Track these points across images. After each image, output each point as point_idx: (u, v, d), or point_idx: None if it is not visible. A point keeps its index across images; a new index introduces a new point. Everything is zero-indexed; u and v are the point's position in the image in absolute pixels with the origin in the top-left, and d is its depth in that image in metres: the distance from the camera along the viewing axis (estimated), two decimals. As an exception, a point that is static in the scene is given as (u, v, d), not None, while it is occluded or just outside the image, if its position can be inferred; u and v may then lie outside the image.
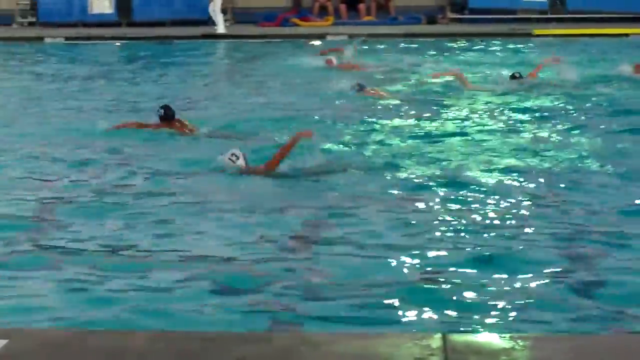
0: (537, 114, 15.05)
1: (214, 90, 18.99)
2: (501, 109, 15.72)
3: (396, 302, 6.72)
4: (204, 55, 25.75)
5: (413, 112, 15.44)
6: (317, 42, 29.88)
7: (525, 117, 14.88)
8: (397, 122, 14.56)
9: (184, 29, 31.96)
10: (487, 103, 16.39)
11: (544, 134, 13.42)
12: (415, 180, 10.66)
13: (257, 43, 30.38)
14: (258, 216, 9.31)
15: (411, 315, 6.50)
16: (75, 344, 4.86)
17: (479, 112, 15.40)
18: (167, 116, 13.09)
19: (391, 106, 16.04)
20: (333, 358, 4.58)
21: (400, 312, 6.54)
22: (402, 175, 10.96)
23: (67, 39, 31.06)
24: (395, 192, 10.18)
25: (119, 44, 30.18)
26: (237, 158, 10.91)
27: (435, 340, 4.79)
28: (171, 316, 6.50)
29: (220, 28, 31.40)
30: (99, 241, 8.53)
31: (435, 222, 8.88)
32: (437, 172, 11.00)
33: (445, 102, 16.49)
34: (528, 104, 16.16)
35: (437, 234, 8.56)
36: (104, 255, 8.16)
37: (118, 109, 16.42)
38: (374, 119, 14.66)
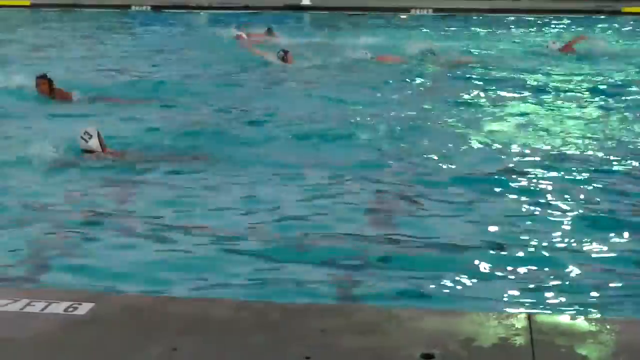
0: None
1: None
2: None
3: (480, 281, 6.66)
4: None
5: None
6: (403, 16, 29.71)
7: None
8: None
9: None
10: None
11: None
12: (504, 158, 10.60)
13: (342, 15, 30.30)
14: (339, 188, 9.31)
15: (496, 294, 6.42)
16: (158, 310, 4.87)
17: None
18: None
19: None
20: (417, 334, 4.52)
21: (484, 291, 6.47)
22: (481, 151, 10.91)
23: (153, 7, 31.42)
24: (475, 170, 10.10)
25: (205, 13, 30.41)
26: (90, 137, 10.69)
27: (521, 321, 4.70)
28: (253, 286, 6.53)
29: (306, -1, 31.43)
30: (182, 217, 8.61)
31: (521, 205, 8.77)
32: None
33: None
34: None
35: (522, 215, 8.46)
36: (186, 228, 8.24)
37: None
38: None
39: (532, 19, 28.67)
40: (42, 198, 9.16)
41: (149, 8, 31.58)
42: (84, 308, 4.80)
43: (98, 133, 10.67)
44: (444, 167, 10.30)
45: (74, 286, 6.24)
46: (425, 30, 25.89)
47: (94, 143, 10.59)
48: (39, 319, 4.69)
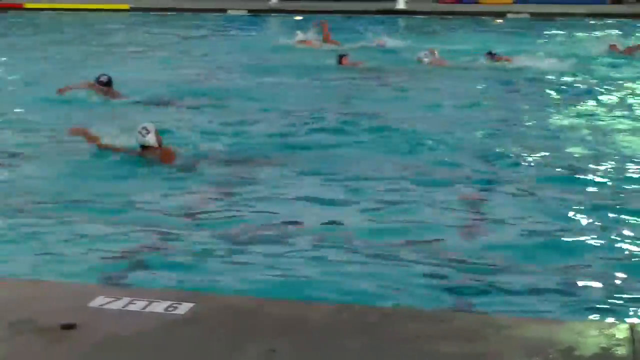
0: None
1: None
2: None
3: (581, 290, 6.56)
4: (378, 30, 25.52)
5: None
6: (498, 20, 29.45)
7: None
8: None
9: (360, 4, 32.05)
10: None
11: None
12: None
13: (436, 19, 30.17)
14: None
15: (596, 304, 6.31)
16: (256, 311, 4.92)
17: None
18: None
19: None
20: (516, 342, 4.48)
21: (584, 300, 6.37)
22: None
23: (250, 11, 31.72)
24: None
25: (299, 17, 30.55)
26: (148, 132, 10.73)
27: (622, 331, 4.62)
28: (352, 291, 6.54)
29: (401, 3, 31.34)
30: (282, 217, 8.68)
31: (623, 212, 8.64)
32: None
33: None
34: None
35: (619, 222, 8.32)
36: (282, 229, 8.30)
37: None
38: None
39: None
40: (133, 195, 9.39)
41: (246, 12, 31.88)
42: (184, 308, 4.87)
43: (155, 130, 10.85)
44: (539, 172, 10.19)
45: (174, 286, 6.33)
46: (521, 33, 25.63)
47: (151, 138, 10.76)
48: (140, 317, 4.78)
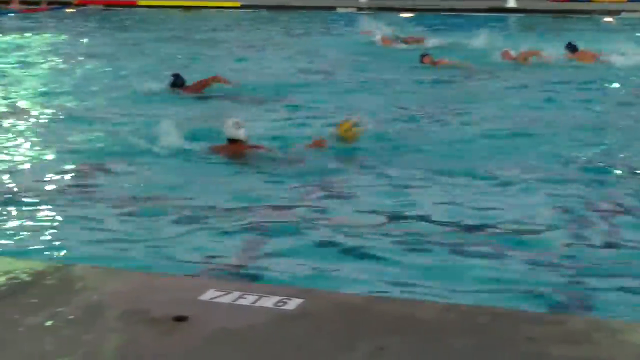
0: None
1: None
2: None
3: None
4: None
5: None
6: (610, 19, 28.86)
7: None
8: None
9: (470, 2, 31.79)
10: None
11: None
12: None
13: (549, 18, 29.72)
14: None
15: None
16: (365, 309, 4.91)
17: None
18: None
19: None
20: (630, 348, 4.38)
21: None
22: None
23: (359, 9, 31.75)
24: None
25: (408, 15, 30.46)
26: (239, 127, 10.80)
27: None
28: (457, 291, 6.50)
29: (511, 1, 30.98)
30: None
31: None
32: None
33: None
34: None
35: None
36: (384, 227, 8.30)
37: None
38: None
39: None
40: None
41: (355, 10, 31.92)
42: (293, 303, 4.89)
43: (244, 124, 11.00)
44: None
45: (284, 282, 6.38)
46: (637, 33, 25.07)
47: (242, 133, 10.85)
48: (250, 312, 4.82)
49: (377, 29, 23.82)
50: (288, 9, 32.79)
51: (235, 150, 10.80)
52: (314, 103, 14.77)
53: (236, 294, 5.02)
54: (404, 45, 22.15)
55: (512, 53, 19.54)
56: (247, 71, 18.48)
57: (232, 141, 10.81)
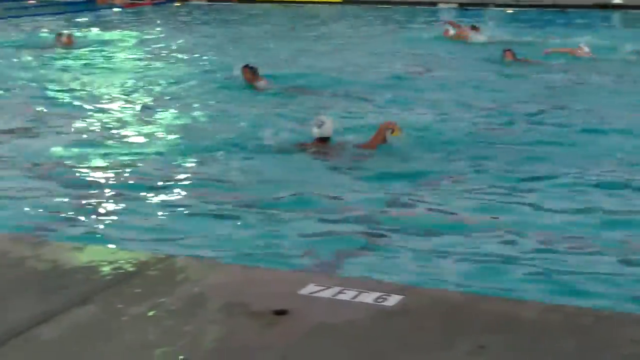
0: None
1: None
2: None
3: None
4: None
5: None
6: None
7: None
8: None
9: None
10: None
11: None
12: None
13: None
14: None
15: None
16: (466, 307, 4.87)
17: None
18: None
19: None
20: None
21: None
22: None
23: (460, 5, 31.52)
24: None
25: (511, 11, 30.11)
26: (322, 124, 10.64)
27: None
28: (560, 291, 6.41)
29: (617, -3, 30.43)
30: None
31: None
32: None
33: None
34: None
35: None
36: (482, 226, 8.24)
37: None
38: None
39: None
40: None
41: (455, 5, 31.70)
42: (393, 300, 4.87)
43: (331, 121, 10.91)
44: None
45: (383, 278, 6.37)
46: None
47: (325, 130, 10.80)
48: (350, 307, 4.82)
49: (449, 25, 23.74)
50: (389, 3, 32.70)
51: (323, 147, 10.83)
52: (403, 99, 14.71)
53: (336, 289, 5.03)
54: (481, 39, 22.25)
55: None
56: (342, 66, 18.52)
57: (321, 139, 10.84)
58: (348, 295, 4.94)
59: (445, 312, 4.74)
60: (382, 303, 4.83)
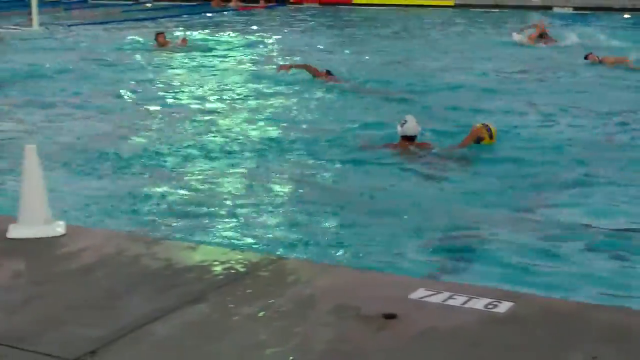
0: None
1: None
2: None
3: None
4: None
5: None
6: None
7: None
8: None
9: None
10: None
11: None
12: None
13: None
14: None
15: None
16: (578, 316, 4.80)
17: None
18: None
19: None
20: None
21: None
22: None
23: (575, 9, 31.01)
24: None
25: (627, 15, 29.50)
26: (405, 122, 10.85)
27: None
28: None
29: None
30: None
31: None
32: None
33: None
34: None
35: None
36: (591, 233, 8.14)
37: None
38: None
39: None
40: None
41: (570, 10, 31.21)
42: (504, 306, 4.83)
43: (414, 120, 11.02)
44: None
45: (493, 284, 6.31)
46: None
47: (408, 128, 10.74)
48: (460, 312, 4.79)
49: (524, 30, 23.48)
50: (502, 7, 32.40)
51: (408, 147, 10.90)
52: (505, 103, 14.59)
53: (446, 294, 5.01)
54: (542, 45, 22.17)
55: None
56: (448, 69, 18.48)
57: (406, 137, 10.89)
58: (458, 300, 4.92)
59: (556, 321, 4.68)
60: (493, 310, 4.80)
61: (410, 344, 4.48)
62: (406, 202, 9.15)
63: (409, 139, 10.91)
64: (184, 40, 23.12)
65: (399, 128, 11.00)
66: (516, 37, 23.05)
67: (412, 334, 4.58)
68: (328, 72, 16.54)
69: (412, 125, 10.90)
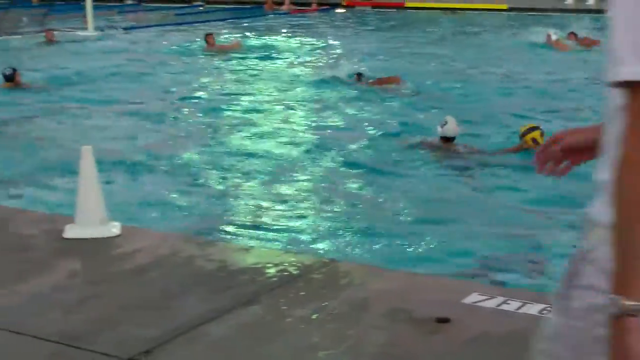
0: None
1: None
2: None
3: None
4: None
5: None
6: None
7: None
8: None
9: None
10: None
11: None
12: None
13: None
14: None
15: None
16: None
17: None
18: None
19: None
20: None
21: None
22: None
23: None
24: None
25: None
26: (445, 123, 10.85)
27: None
28: None
29: None
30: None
31: None
32: None
33: None
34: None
35: None
36: None
37: None
38: None
39: None
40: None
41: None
42: (558, 312, 4.79)
43: (454, 121, 11.03)
44: None
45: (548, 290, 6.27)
46: None
47: (448, 130, 10.87)
48: (514, 318, 4.77)
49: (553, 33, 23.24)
50: (559, 11, 32.15)
51: (447, 148, 10.94)
52: (548, 108, 14.48)
53: (500, 299, 4.99)
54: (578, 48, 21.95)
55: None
56: (500, 73, 18.39)
57: (445, 138, 10.89)
58: (512, 306, 4.90)
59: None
60: (548, 315, 4.75)
61: (463, 349, 4.47)
62: (454, 205, 9.13)
63: (449, 140, 10.94)
64: (237, 42, 23.25)
65: (439, 129, 11.03)
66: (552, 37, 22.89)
67: (465, 338, 4.56)
68: (359, 76, 16.54)
69: (452, 127, 10.92)
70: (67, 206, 7.09)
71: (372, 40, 25.39)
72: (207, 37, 22.82)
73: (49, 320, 4.84)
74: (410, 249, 7.80)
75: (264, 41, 24.89)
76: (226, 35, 25.44)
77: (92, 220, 6.23)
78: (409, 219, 8.77)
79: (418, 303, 4.97)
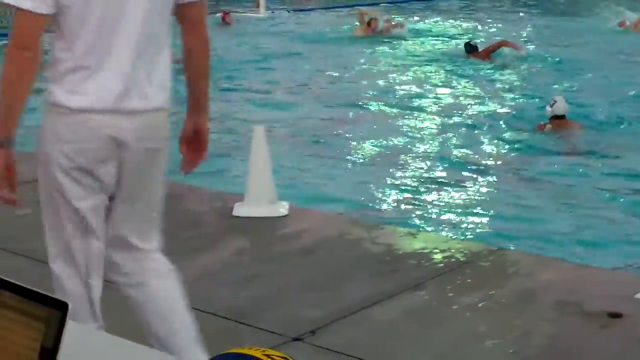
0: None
1: None
2: None
3: None
4: None
5: None
6: None
7: None
8: None
9: None
10: None
11: None
12: None
13: None
14: None
15: None
16: None
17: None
18: None
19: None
20: None
21: None
22: None
23: None
24: None
25: None
26: (554, 102, 10.94)
27: None
28: None
29: None
30: None
31: None
32: None
33: None
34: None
35: None
36: None
37: None
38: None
39: None
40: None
41: None
42: None
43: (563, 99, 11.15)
44: None
45: None
46: None
47: (557, 108, 10.91)
48: None
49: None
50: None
51: (558, 125, 11.04)
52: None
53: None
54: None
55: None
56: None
57: (556, 117, 10.98)
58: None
59: None
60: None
61: (633, 345, 4.33)
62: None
63: (559, 117, 10.98)
64: (398, 24, 23.03)
65: (548, 109, 11.14)
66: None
67: (636, 334, 4.42)
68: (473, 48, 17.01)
69: (561, 105, 11.01)
70: (238, 185, 7.21)
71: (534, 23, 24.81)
72: (371, 21, 22.80)
73: (217, 296, 4.93)
74: (580, 239, 7.60)
75: (428, 24, 24.72)
76: (396, 18, 25.32)
77: (261, 200, 6.32)
78: (572, 208, 8.57)
79: (588, 296, 4.85)
